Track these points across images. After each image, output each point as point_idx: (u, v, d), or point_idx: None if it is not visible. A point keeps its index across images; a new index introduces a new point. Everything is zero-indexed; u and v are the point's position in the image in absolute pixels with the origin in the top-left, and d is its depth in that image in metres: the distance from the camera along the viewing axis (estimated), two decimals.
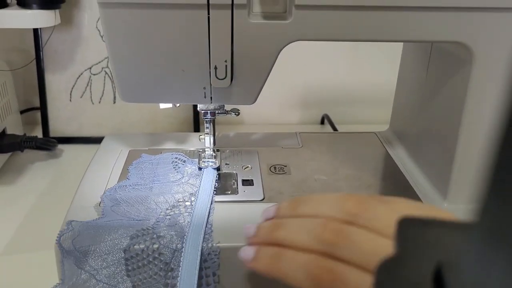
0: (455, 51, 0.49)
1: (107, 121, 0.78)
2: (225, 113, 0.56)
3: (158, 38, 0.44)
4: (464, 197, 0.51)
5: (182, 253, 0.43)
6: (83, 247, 0.43)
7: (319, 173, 0.58)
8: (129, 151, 0.59)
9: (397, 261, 0.24)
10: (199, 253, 0.43)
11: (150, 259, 0.43)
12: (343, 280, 0.33)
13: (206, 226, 0.45)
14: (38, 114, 0.79)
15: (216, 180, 0.54)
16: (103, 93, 0.77)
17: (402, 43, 0.65)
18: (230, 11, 0.42)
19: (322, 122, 0.90)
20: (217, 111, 0.54)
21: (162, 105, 0.59)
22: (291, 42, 0.45)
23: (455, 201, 0.51)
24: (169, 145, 0.63)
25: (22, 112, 0.80)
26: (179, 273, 0.42)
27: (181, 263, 0.42)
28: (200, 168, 0.55)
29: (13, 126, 0.73)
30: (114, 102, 0.78)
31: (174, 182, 0.53)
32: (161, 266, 0.43)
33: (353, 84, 0.89)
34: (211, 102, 0.48)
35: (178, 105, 0.60)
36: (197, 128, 0.80)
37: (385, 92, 0.75)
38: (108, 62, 0.76)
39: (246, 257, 0.38)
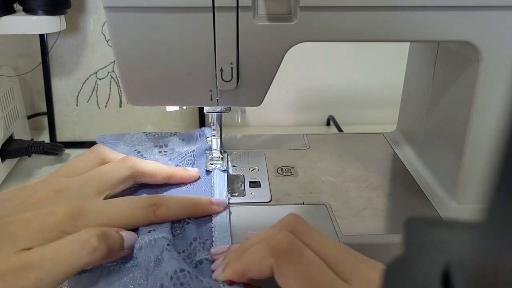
0: (462, 51, 0.49)
1: (114, 125, 0.78)
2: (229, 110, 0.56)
3: (164, 41, 0.44)
4: (472, 197, 0.51)
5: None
6: None
7: (326, 174, 0.58)
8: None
9: (405, 262, 0.24)
10: None
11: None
12: (300, 251, 0.36)
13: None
14: (45, 119, 0.80)
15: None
16: (109, 97, 0.78)
17: (408, 43, 0.64)
18: (235, 14, 0.42)
19: (328, 124, 0.90)
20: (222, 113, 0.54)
21: (169, 108, 0.59)
22: (297, 44, 0.45)
23: (463, 201, 0.51)
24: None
25: (29, 117, 0.81)
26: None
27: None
28: (207, 171, 0.55)
29: (21, 131, 0.73)
30: (120, 106, 0.78)
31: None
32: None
33: (358, 85, 0.88)
34: (218, 105, 0.48)
35: (184, 107, 0.60)
36: None
37: (391, 93, 0.75)
38: (113, 66, 0.76)
39: (217, 274, 0.39)
